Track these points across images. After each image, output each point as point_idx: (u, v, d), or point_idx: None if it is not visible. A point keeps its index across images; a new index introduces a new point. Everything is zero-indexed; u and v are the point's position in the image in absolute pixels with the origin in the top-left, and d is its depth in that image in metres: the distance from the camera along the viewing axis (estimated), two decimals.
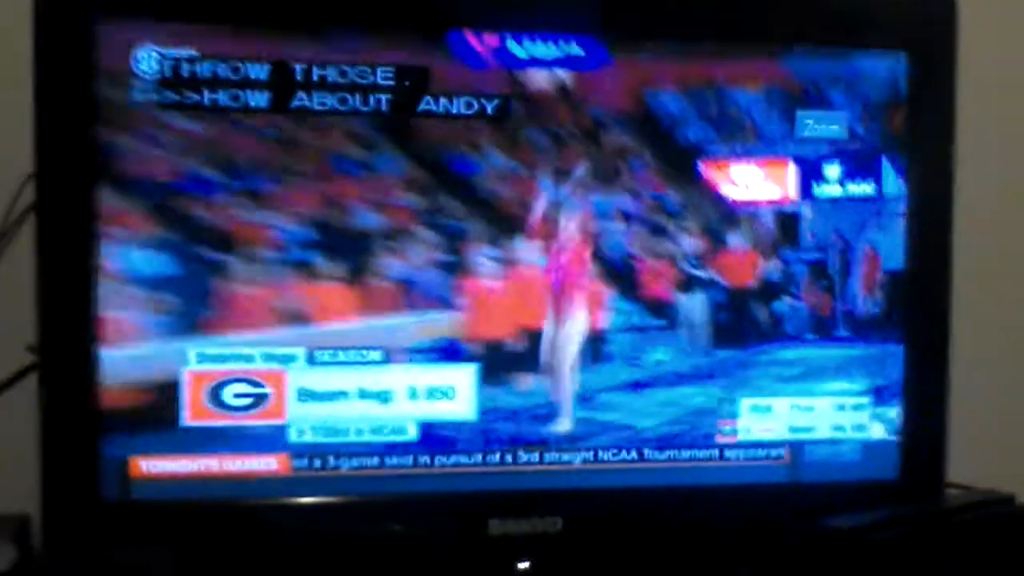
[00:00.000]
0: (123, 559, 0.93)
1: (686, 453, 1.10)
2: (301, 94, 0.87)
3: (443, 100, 0.87)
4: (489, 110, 0.89)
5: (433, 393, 1.05)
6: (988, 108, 1.16)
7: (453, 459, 1.06)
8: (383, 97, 0.87)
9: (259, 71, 0.96)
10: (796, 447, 1.10)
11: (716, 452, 1.10)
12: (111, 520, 1.00)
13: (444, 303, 0.89)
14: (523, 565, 1.06)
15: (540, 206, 0.90)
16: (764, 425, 1.10)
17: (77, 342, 0.99)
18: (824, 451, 1.10)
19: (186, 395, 1.01)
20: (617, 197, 0.93)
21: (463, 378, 1.06)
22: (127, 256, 0.87)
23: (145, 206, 0.84)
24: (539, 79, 0.89)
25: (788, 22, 0.96)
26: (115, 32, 0.92)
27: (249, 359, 1.02)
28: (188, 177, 0.81)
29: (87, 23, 0.93)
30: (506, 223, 0.90)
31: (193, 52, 0.96)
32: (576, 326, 0.93)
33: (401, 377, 1.04)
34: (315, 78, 0.86)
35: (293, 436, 1.03)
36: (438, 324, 0.90)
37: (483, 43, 0.87)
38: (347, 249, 0.87)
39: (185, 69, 0.93)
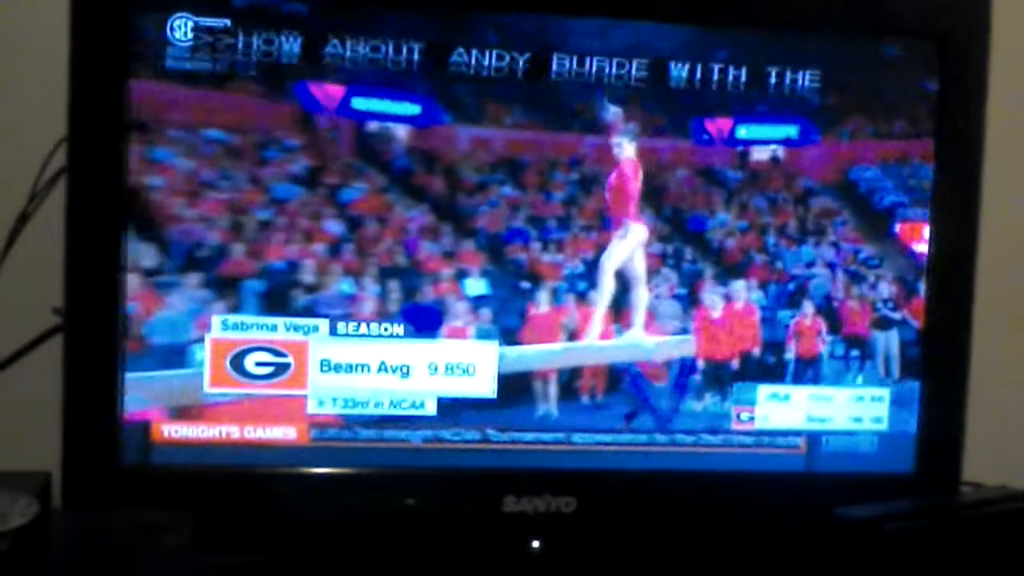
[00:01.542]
0: (141, 519, 0.94)
1: (702, 438, 1.10)
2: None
3: (681, 171, 1.09)
4: (718, 179, 1.10)
5: (452, 369, 1.06)
6: None
7: (470, 435, 1.07)
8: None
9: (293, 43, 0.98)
10: (813, 437, 1.11)
11: (732, 439, 1.11)
12: (131, 483, 1.02)
13: (681, 329, 1.10)
14: (535, 543, 1.06)
15: (758, 256, 1.11)
16: (781, 414, 1.10)
17: (103, 306, 1.00)
18: (841, 442, 1.10)
19: (208, 362, 1.03)
20: (822, 250, 1.11)
21: (483, 355, 1.07)
22: None
23: None
24: (760, 154, 1.10)
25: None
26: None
27: (272, 328, 1.03)
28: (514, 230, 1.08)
29: None
30: (731, 268, 1.11)
31: (227, 21, 0.98)
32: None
33: (421, 352, 1.06)
34: None
35: (313, 406, 1.04)
36: (677, 345, 1.10)
37: (716, 127, 1.08)
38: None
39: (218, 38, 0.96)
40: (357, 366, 1.08)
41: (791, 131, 1.09)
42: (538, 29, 1.05)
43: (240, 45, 1.00)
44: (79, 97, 0.99)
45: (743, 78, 1.07)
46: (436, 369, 1.08)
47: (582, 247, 1.08)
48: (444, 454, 1.09)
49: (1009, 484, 1.10)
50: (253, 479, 1.05)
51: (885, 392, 1.14)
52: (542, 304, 1.08)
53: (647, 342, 1.09)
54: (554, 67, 1.05)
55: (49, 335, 1.11)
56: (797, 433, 1.14)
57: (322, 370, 1.07)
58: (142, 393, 1.00)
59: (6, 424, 1.17)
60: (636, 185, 1.08)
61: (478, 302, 1.06)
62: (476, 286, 1.07)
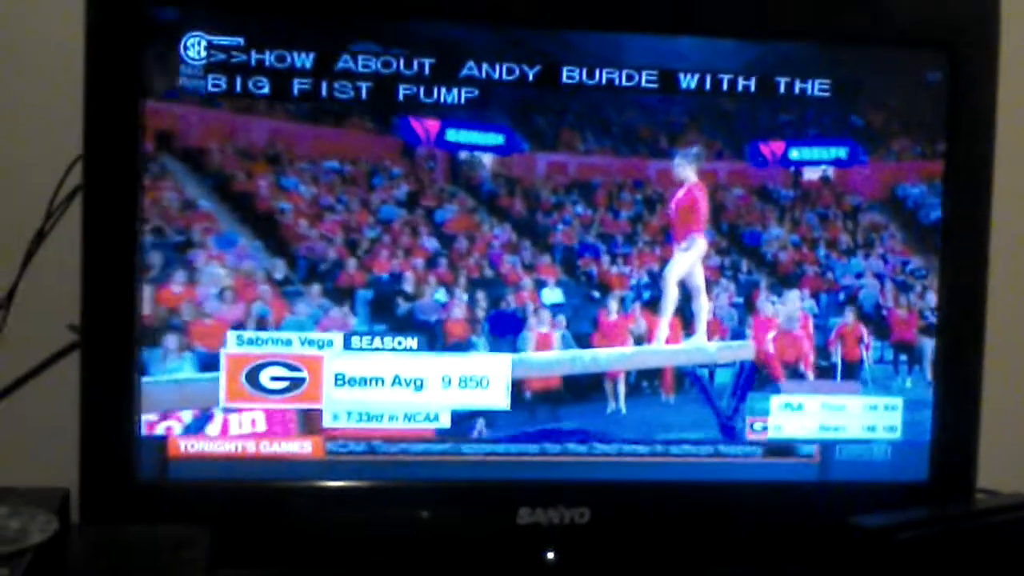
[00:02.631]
0: (159, 534, 0.95)
1: (716, 448, 1.11)
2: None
3: (738, 190, 1.18)
4: (772, 197, 1.18)
5: (466, 382, 1.07)
6: None
7: (484, 447, 1.07)
8: None
9: (304, 60, 1.01)
10: (827, 446, 1.11)
11: (746, 449, 1.11)
12: (148, 498, 1.02)
13: (738, 334, 1.18)
14: (550, 555, 1.07)
15: (811, 267, 1.18)
16: (795, 423, 1.11)
17: (120, 322, 1.01)
18: (854, 451, 1.11)
19: (224, 377, 1.04)
20: (871, 262, 1.17)
21: (497, 367, 1.08)
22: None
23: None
24: (811, 174, 1.17)
25: None
26: (166, 18, 0.96)
27: (287, 343, 1.04)
28: (586, 245, 1.19)
29: (139, 11, 0.96)
30: (784, 278, 1.18)
31: (240, 40, 1.00)
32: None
33: (435, 365, 1.07)
34: None
35: (328, 420, 1.05)
36: (735, 349, 1.17)
37: (770, 150, 1.16)
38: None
39: (233, 57, 0.99)
40: (371, 380, 1.09)
41: (840, 152, 1.16)
42: (609, 50, 1.13)
43: (351, 87, 1.11)
44: (95, 115, 1.00)
45: (793, 100, 1.15)
46: (450, 382, 1.10)
47: (647, 260, 1.18)
48: (458, 467, 1.09)
49: None
50: (269, 493, 1.06)
51: (898, 401, 1.14)
52: (612, 312, 1.18)
53: (710, 347, 1.17)
54: (622, 89, 1.14)
55: (66, 352, 1.11)
56: (810, 442, 1.14)
57: (337, 384, 1.08)
58: None
59: (25, 441, 1.18)
60: (699, 204, 1.17)
61: (555, 309, 1.18)
62: (553, 295, 1.18)
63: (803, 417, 1.13)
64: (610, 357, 1.15)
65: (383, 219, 1.17)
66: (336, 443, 1.08)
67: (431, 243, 1.17)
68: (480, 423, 1.09)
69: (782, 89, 1.13)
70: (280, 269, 1.14)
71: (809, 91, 1.13)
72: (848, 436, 1.13)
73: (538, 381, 1.12)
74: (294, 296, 1.13)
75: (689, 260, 1.16)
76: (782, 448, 1.13)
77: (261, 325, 1.09)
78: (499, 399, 1.09)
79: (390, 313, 1.14)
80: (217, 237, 1.11)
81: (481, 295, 1.16)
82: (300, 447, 1.07)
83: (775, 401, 1.14)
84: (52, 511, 0.95)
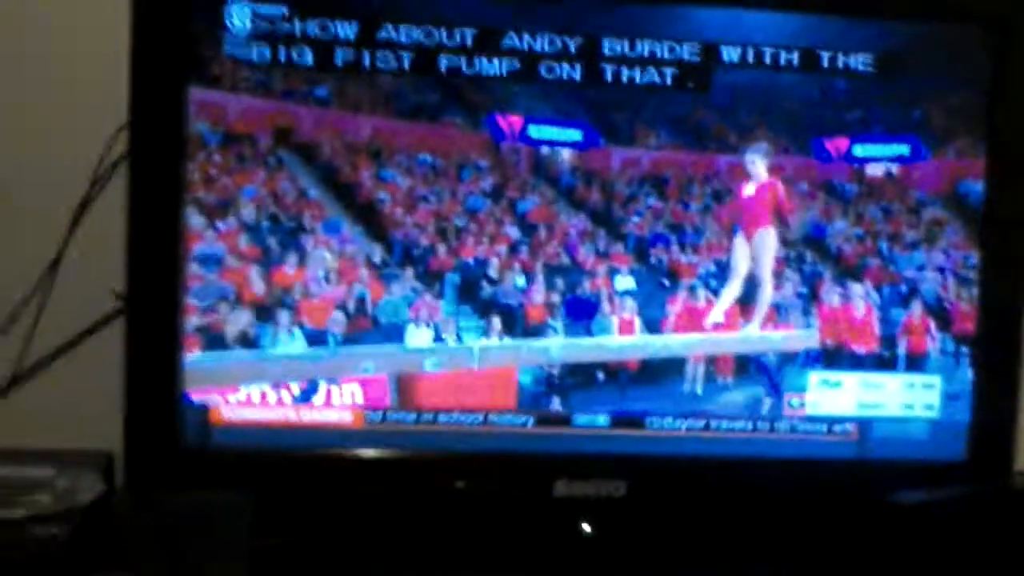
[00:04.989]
0: (202, 499, 0.96)
1: (752, 424, 1.11)
2: None
3: (804, 185, 1.21)
4: (836, 193, 1.21)
5: None
6: None
7: (522, 419, 1.08)
8: None
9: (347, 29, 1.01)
10: (864, 423, 1.11)
11: (783, 425, 1.11)
12: (191, 464, 1.03)
13: (803, 323, 1.20)
14: (586, 527, 1.07)
15: (873, 260, 1.20)
16: (833, 400, 1.10)
17: (164, 289, 1.02)
18: (892, 429, 1.10)
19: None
20: (933, 255, 1.18)
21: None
22: None
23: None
24: (874, 170, 1.19)
25: None
26: None
27: None
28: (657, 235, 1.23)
29: None
30: (847, 270, 1.21)
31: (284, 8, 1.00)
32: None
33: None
34: None
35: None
36: (800, 337, 1.20)
37: (835, 146, 1.19)
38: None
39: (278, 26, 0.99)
40: None
41: (903, 149, 1.18)
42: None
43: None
44: (141, 85, 1.01)
45: (859, 97, 1.17)
46: None
47: (715, 251, 1.23)
48: (495, 438, 1.10)
49: None
50: (309, 461, 1.07)
51: (936, 380, 1.14)
52: (680, 298, 1.23)
53: (774, 335, 1.20)
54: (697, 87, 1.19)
55: (111, 318, 1.13)
56: (848, 420, 1.14)
57: None
58: (374, 362, 1.15)
59: (71, 404, 1.19)
60: (768, 197, 1.20)
61: (626, 295, 1.23)
62: (625, 282, 1.24)
63: (841, 394, 1.13)
64: (678, 342, 1.19)
65: (470, 209, 1.24)
66: (374, 413, 1.09)
67: (513, 231, 1.25)
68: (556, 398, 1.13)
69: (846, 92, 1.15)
70: (378, 253, 1.23)
71: (872, 85, 1.15)
72: (886, 414, 1.13)
73: (613, 363, 1.17)
74: (390, 278, 1.22)
75: (768, 253, 1.19)
76: (819, 424, 1.13)
77: (360, 305, 1.19)
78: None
79: (475, 296, 1.22)
80: (324, 223, 1.21)
81: (558, 281, 1.23)
82: (340, 416, 1.08)
83: (813, 377, 1.14)
84: (97, 473, 0.97)
